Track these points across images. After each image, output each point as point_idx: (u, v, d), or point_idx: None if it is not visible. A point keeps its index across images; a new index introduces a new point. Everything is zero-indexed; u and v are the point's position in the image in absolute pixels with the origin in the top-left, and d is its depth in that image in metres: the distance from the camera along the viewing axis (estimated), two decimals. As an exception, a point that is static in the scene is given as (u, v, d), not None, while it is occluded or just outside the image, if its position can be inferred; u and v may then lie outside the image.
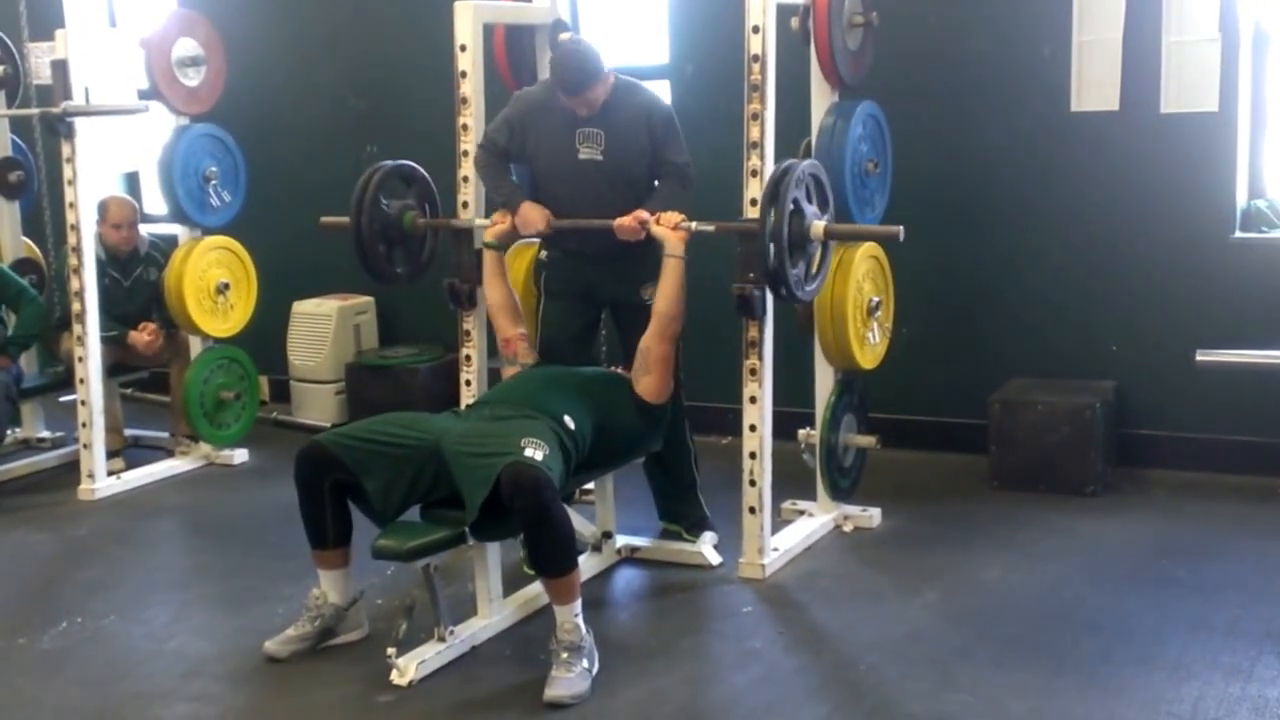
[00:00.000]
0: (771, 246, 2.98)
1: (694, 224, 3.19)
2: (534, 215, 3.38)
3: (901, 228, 3.13)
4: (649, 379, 3.20)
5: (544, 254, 3.58)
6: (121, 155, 5.42)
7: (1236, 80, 3.90)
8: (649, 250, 3.35)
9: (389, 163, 3.47)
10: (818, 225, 3.06)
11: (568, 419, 3.01)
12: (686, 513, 3.66)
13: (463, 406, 3.53)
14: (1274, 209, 4.02)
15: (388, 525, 2.91)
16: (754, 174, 3.23)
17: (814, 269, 3.16)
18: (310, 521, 2.97)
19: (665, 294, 3.18)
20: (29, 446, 4.88)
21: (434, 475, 2.89)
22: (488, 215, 3.57)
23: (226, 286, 4.56)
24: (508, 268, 3.82)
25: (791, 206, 2.99)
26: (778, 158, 3.28)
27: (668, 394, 3.26)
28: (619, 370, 3.35)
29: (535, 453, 2.76)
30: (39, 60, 5.11)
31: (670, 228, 3.19)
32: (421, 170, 3.51)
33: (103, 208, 4.50)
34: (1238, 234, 3.99)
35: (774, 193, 2.98)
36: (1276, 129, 4.04)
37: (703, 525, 3.63)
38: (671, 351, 3.22)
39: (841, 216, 3.51)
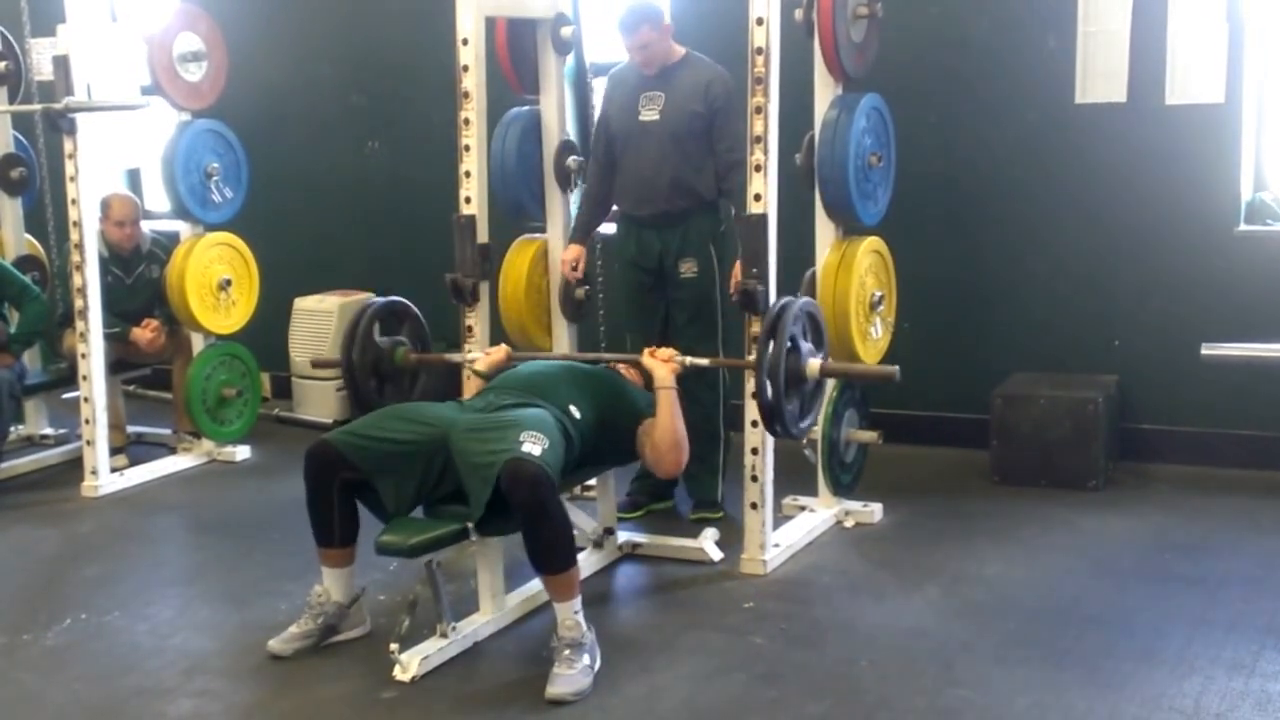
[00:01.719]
0: (769, 384, 2.96)
1: (688, 359, 3.13)
2: (568, 256, 3.78)
3: (897, 368, 3.07)
4: (657, 468, 3.17)
5: (616, 226, 3.88)
6: (123, 151, 5.43)
7: (1242, 72, 3.89)
8: (695, 224, 3.59)
9: (381, 300, 3.45)
10: (813, 364, 3.06)
11: (573, 409, 3.02)
12: (695, 491, 3.80)
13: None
14: (1279, 202, 4.00)
15: (392, 521, 2.91)
16: (758, 169, 3.22)
17: (807, 406, 3.14)
18: (318, 520, 2.97)
19: (662, 425, 3.06)
20: (32, 443, 4.88)
21: (442, 468, 2.89)
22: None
23: (228, 283, 4.56)
24: (508, 263, 3.85)
25: (789, 344, 2.98)
26: (781, 151, 3.27)
27: (680, 470, 3.20)
28: (621, 370, 3.34)
29: (534, 448, 2.76)
30: (41, 56, 5.12)
31: (662, 361, 3.11)
32: (414, 308, 3.48)
33: (105, 205, 4.50)
34: (1242, 227, 3.98)
35: (772, 329, 2.97)
36: (1281, 121, 4.03)
37: (708, 506, 3.73)
38: (681, 459, 3.11)
39: (845, 210, 3.51)
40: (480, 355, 3.40)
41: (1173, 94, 3.94)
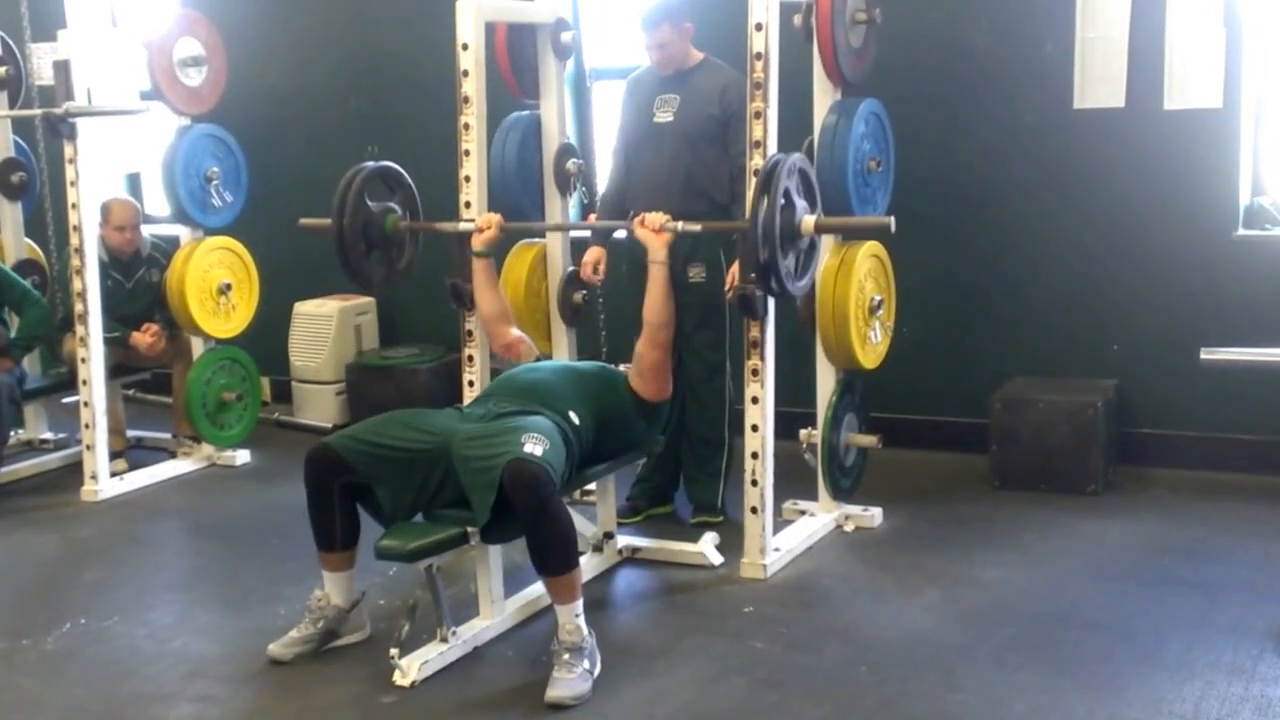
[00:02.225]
0: (763, 240, 2.96)
1: (679, 225, 3.15)
2: (589, 259, 3.77)
3: (892, 219, 3.12)
4: (644, 384, 3.20)
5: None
6: (123, 156, 5.43)
7: (1240, 77, 3.89)
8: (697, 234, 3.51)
9: (372, 164, 3.45)
10: (808, 220, 3.06)
11: (572, 414, 3.02)
12: (696, 494, 3.80)
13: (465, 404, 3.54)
14: (1277, 207, 4.01)
15: (393, 525, 2.91)
16: (756, 173, 3.22)
17: (804, 264, 3.14)
18: (318, 524, 2.98)
19: (651, 302, 3.13)
20: (32, 448, 4.88)
21: (442, 478, 2.90)
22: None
23: (228, 287, 4.56)
24: (506, 268, 3.85)
25: (783, 200, 2.98)
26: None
27: (667, 394, 3.25)
28: (621, 368, 3.35)
29: (535, 448, 2.76)
30: (41, 61, 5.13)
31: (654, 230, 3.12)
32: (406, 175, 3.49)
33: (105, 210, 4.50)
34: (1240, 231, 3.98)
35: (765, 185, 2.97)
36: (1280, 126, 4.04)
37: (708, 510, 3.74)
38: (665, 357, 3.19)
39: (844, 214, 3.51)
40: (473, 228, 3.39)
41: (1171, 99, 3.95)
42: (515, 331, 3.42)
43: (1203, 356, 2.78)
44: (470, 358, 3.71)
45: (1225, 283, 3.97)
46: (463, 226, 3.45)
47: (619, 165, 3.80)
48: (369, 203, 3.42)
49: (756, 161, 3.23)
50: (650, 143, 3.67)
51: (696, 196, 3.62)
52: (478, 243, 3.38)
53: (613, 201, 3.83)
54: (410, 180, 3.51)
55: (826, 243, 3.59)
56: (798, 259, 3.09)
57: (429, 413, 3.09)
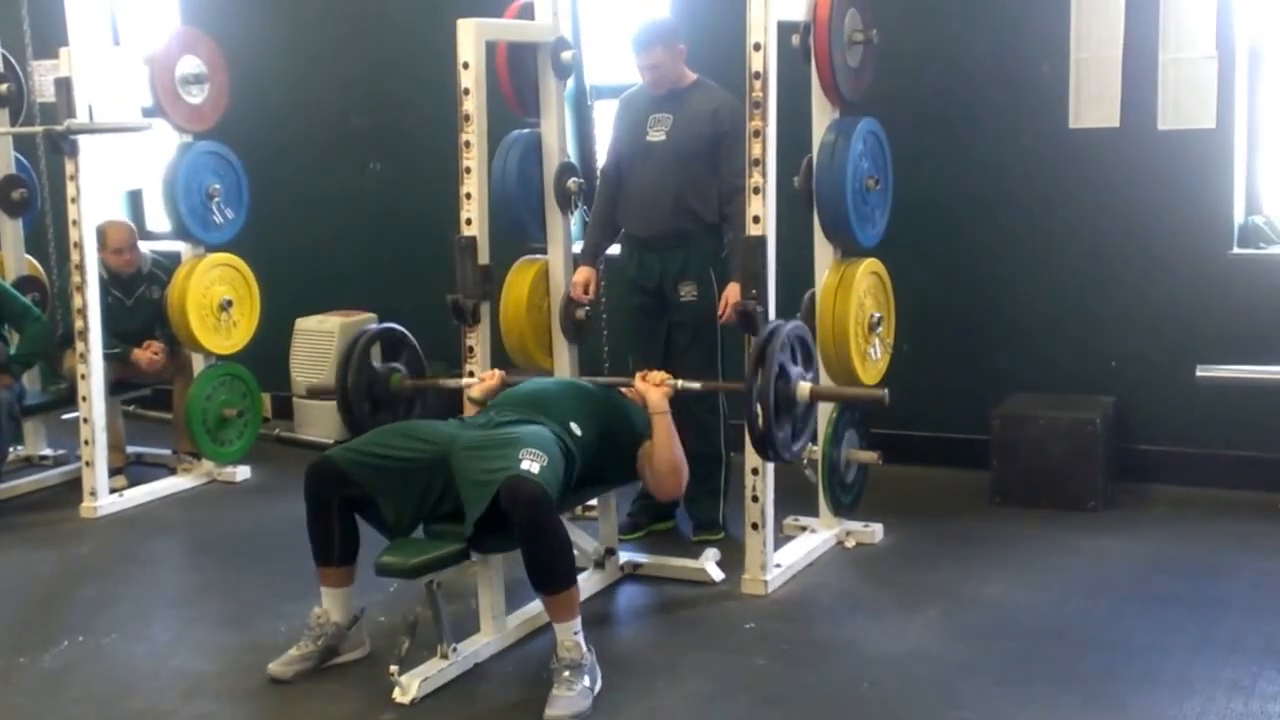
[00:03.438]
0: (759, 409, 2.98)
1: (679, 383, 3.16)
2: (579, 279, 3.83)
3: (886, 392, 3.12)
4: (658, 493, 3.22)
5: (620, 248, 3.90)
6: (125, 173, 5.44)
7: (1233, 97, 3.93)
8: (696, 247, 3.62)
9: (377, 326, 3.47)
10: (803, 387, 3.08)
11: (574, 426, 3.03)
12: (696, 513, 3.81)
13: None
14: (1271, 225, 4.04)
15: (393, 541, 2.91)
16: (756, 191, 3.25)
17: (798, 429, 3.15)
18: (318, 538, 2.97)
19: (661, 454, 3.09)
20: (31, 464, 4.88)
21: (443, 486, 2.90)
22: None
23: (229, 303, 4.57)
24: (509, 284, 3.87)
25: (777, 370, 2.99)
26: (780, 174, 3.30)
27: (679, 496, 3.27)
28: (623, 391, 3.35)
29: (533, 465, 2.76)
30: (43, 78, 5.15)
31: (654, 385, 3.13)
32: (410, 336, 3.49)
33: (100, 235, 4.46)
34: (1236, 250, 4.01)
35: (760, 355, 2.99)
36: (1273, 145, 4.06)
37: (709, 528, 3.75)
38: (681, 481, 3.16)
39: (843, 232, 3.54)
40: (476, 382, 3.40)
41: (1165, 119, 3.98)
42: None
43: (1199, 374, 2.80)
44: (471, 374, 3.72)
45: (1221, 300, 3.99)
46: (465, 381, 3.47)
47: (610, 182, 3.81)
48: (373, 365, 3.41)
49: (756, 180, 3.25)
50: (642, 161, 3.69)
51: (685, 215, 3.65)
52: (477, 392, 3.35)
53: (603, 219, 3.84)
54: (414, 340, 3.51)
55: (826, 259, 3.61)
56: (794, 426, 3.11)
57: (429, 423, 3.10)
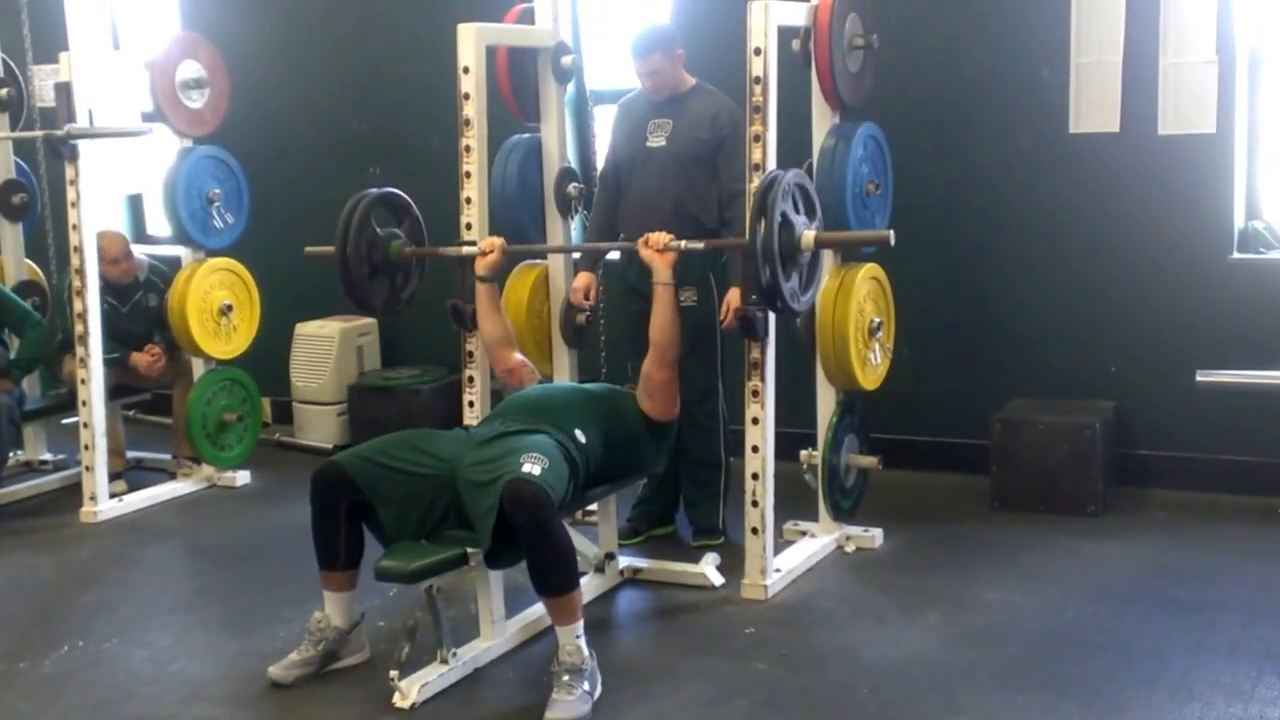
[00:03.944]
0: (764, 261, 2.98)
1: (682, 243, 3.16)
2: (579, 285, 3.82)
3: (892, 232, 3.14)
4: (654, 404, 3.22)
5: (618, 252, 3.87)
6: (125, 177, 5.46)
7: (1233, 102, 3.93)
8: (696, 252, 3.53)
9: (378, 190, 3.47)
10: (808, 235, 3.07)
11: (579, 433, 3.03)
12: (696, 518, 3.81)
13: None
14: (1271, 230, 4.04)
15: (393, 546, 2.91)
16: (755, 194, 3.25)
17: (807, 279, 3.16)
18: (322, 542, 2.97)
19: (658, 322, 3.15)
20: (31, 469, 4.87)
21: (447, 504, 2.89)
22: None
23: (229, 308, 4.57)
24: (508, 290, 3.87)
25: (780, 219, 2.99)
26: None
27: (675, 413, 3.27)
28: (626, 388, 3.36)
29: (534, 468, 2.77)
30: (43, 83, 5.16)
31: (657, 250, 3.14)
32: (411, 202, 3.50)
33: (96, 247, 4.46)
34: (1236, 255, 4.01)
35: (761, 206, 2.99)
36: (1273, 150, 4.06)
37: (709, 533, 3.75)
38: (673, 376, 3.22)
39: (842, 237, 3.54)
40: (477, 253, 3.39)
41: (1165, 124, 3.98)
42: (518, 356, 3.43)
43: (1198, 379, 2.79)
44: (471, 379, 3.72)
45: (1221, 305, 4.00)
46: (465, 250, 3.46)
47: (609, 188, 3.81)
48: (375, 228, 3.43)
49: (755, 184, 3.25)
50: (641, 166, 3.69)
51: (685, 221, 3.62)
52: (480, 266, 3.39)
53: (602, 225, 3.84)
54: (415, 207, 3.52)
55: (826, 264, 3.61)
56: (800, 276, 3.11)
57: (437, 436, 3.08)
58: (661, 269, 3.13)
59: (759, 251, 2.96)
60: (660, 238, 3.16)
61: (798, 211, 3.08)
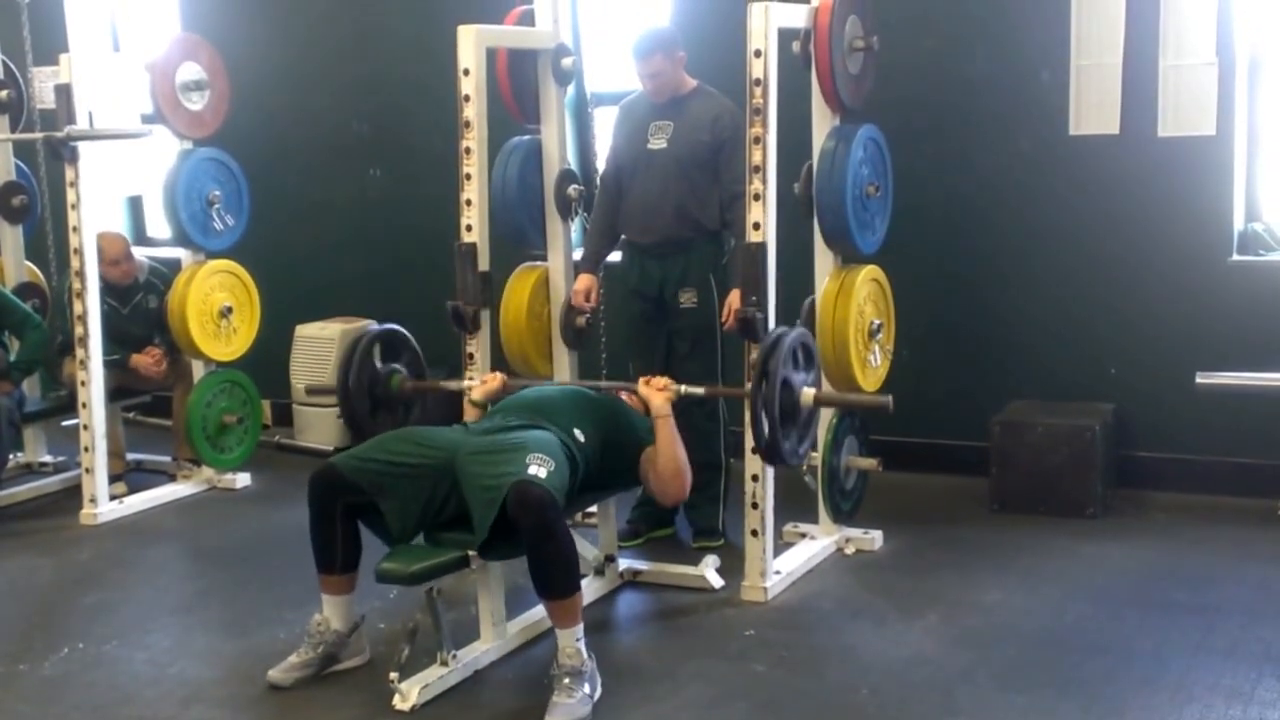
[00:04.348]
0: (765, 418, 2.98)
1: (683, 388, 3.16)
2: (580, 287, 3.82)
3: (890, 399, 3.13)
4: (663, 495, 3.20)
5: (620, 255, 3.89)
6: (125, 179, 5.46)
7: (1233, 104, 3.94)
8: (697, 254, 3.63)
9: (379, 327, 3.47)
10: (807, 393, 3.09)
11: (578, 432, 3.03)
12: (696, 520, 3.81)
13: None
14: (1271, 232, 4.05)
15: (393, 548, 2.91)
16: (756, 198, 3.25)
17: (803, 433, 3.16)
18: (320, 545, 2.97)
19: (664, 456, 3.09)
20: (31, 471, 4.87)
21: (448, 492, 2.89)
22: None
23: (229, 310, 4.57)
24: (509, 291, 3.88)
25: (781, 382, 3.00)
26: (780, 181, 3.31)
27: (684, 499, 3.26)
28: (625, 396, 3.35)
29: (539, 470, 2.77)
30: (43, 84, 5.16)
31: (657, 390, 3.13)
32: (411, 339, 3.50)
33: (96, 249, 4.46)
34: (1235, 257, 4.01)
35: (765, 364, 2.99)
36: (1273, 152, 4.07)
37: (709, 535, 3.75)
38: (685, 483, 3.16)
39: (843, 239, 3.54)
40: (477, 384, 3.41)
41: (1165, 126, 3.98)
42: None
43: (1198, 381, 2.80)
44: (471, 378, 3.72)
45: (1221, 307, 4.00)
46: (466, 384, 3.47)
47: (610, 190, 3.81)
48: (375, 364, 3.41)
49: (756, 186, 3.26)
50: (643, 169, 3.69)
51: (686, 223, 3.66)
52: (478, 394, 3.34)
53: (603, 226, 3.84)
54: (415, 342, 3.51)
55: (826, 266, 3.62)
56: (799, 433, 3.12)
57: (433, 429, 3.09)
58: (660, 405, 3.11)
59: (760, 410, 2.99)
60: (659, 381, 3.16)
61: (797, 369, 3.09)
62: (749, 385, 3.10)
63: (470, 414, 3.36)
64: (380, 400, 3.42)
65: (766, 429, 3.00)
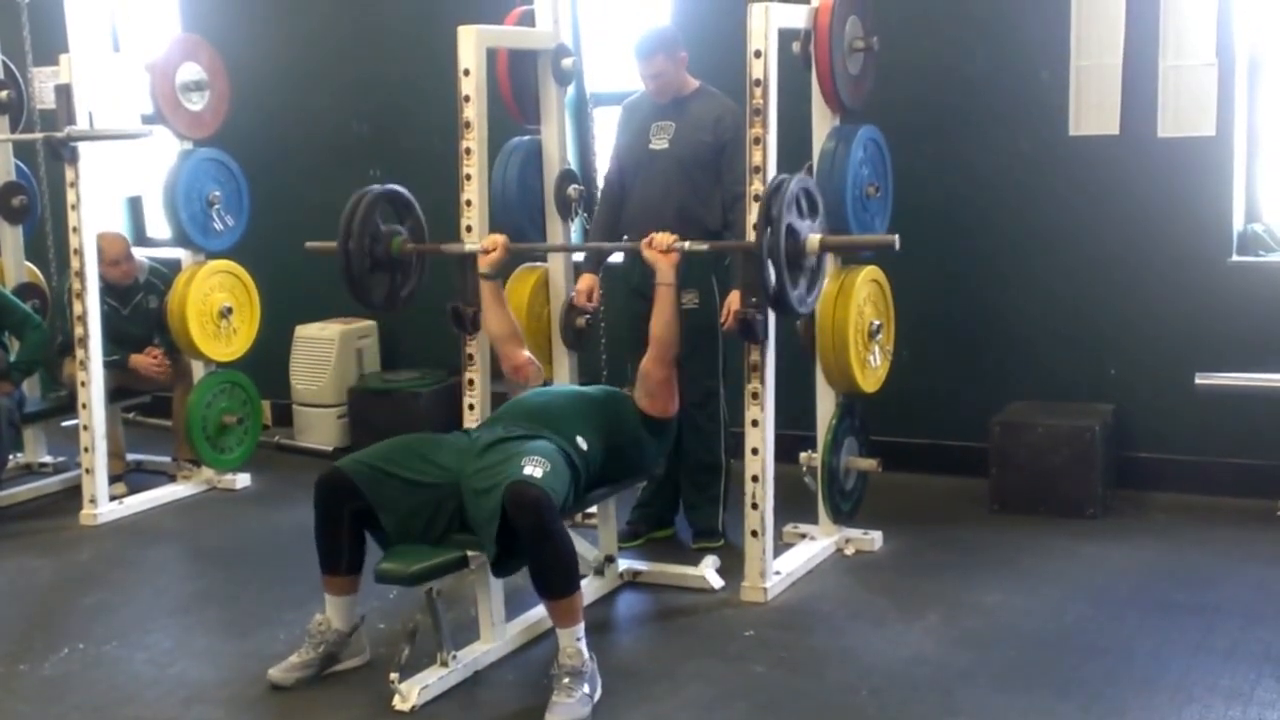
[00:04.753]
0: (771, 267, 2.98)
1: (687, 244, 3.17)
2: (582, 287, 3.81)
3: (897, 236, 3.15)
4: (653, 401, 3.22)
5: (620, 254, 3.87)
6: (125, 179, 5.46)
7: (1233, 105, 3.94)
8: (698, 255, 3.55)
9: (379, 187, 3.47)
10: (813, 239, 3.08)
11: (580, 440, 3.03)
12: (696, 520, 3.81)
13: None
14: (1270, 233, 4.05)
15: (393, 548, 2.91)
16: (756, 199, 3.25)
17: (810, 283, 3.16)
18: (325, 547, 2.97)
19: (660, 320, 3.16)
20: (31, 471, 4.87)
21: (451, 514, 2.89)
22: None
23: (229, 311, 4.57)
24: (508, 292, 3.87)
25: (785, 227, 3.00)
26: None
27: (675, 409, 3.28)
28: (625, 390, 3.36)
29: (535, 470, 2.77)
30: (43, 85, 5.16)
31: (661, 251, 3.15)
32: (414, 200, 3.50)
33: (96, 249, 4.46)
34: (1235, 257, 4.02)
35: (767, 211, 3.00)
36: (1273, 153, 4.07)
37: (708, 536, 3.75)
38: (671, 375, 3.23)
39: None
40: (479, 250, 3.40)
41: (1165, 127, 3.99)
42: (525, 353, 3.42)
43: (1198, 381, 2.80)
44: (471, 381, 3.73)
45: (1220, 308, 4.00)
46: (468, 248, 3.46)
47: (613, 190, 3.82)
48: (378, 223, 3.43)
49: (756, 187, 3.26)
50: (645, 169, 3.70)
51: (688, 223, 3.63)
52: (484, 264, 3.39)
53: (606, 227, 3.84)
54: (418, 205, 3.52)
55: (826, 266, 3.62)
56: (806, 280, 3.12)
57: (441, 442, 3.06)
58: (665, 269, 3.14)
59: (765, 258, 2.98)
60: (664, 238, 3.17)
61: (802, 216, 3.09)
62: (754, 236, 3.07)
63: (486, 292, 3.38)
64: (381, 260, 3.42)
65: (773, 277, 2.97)
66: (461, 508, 2.87)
